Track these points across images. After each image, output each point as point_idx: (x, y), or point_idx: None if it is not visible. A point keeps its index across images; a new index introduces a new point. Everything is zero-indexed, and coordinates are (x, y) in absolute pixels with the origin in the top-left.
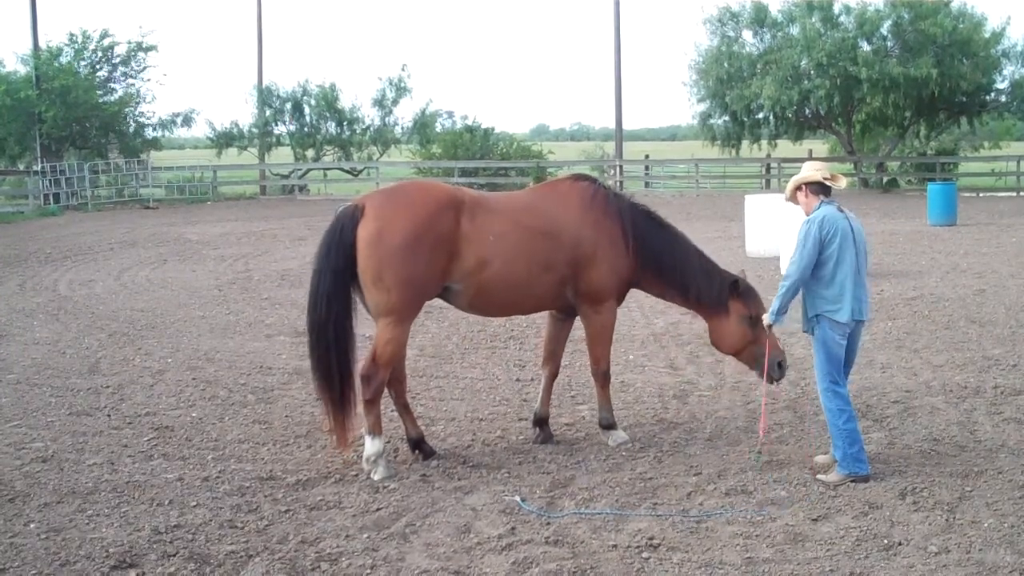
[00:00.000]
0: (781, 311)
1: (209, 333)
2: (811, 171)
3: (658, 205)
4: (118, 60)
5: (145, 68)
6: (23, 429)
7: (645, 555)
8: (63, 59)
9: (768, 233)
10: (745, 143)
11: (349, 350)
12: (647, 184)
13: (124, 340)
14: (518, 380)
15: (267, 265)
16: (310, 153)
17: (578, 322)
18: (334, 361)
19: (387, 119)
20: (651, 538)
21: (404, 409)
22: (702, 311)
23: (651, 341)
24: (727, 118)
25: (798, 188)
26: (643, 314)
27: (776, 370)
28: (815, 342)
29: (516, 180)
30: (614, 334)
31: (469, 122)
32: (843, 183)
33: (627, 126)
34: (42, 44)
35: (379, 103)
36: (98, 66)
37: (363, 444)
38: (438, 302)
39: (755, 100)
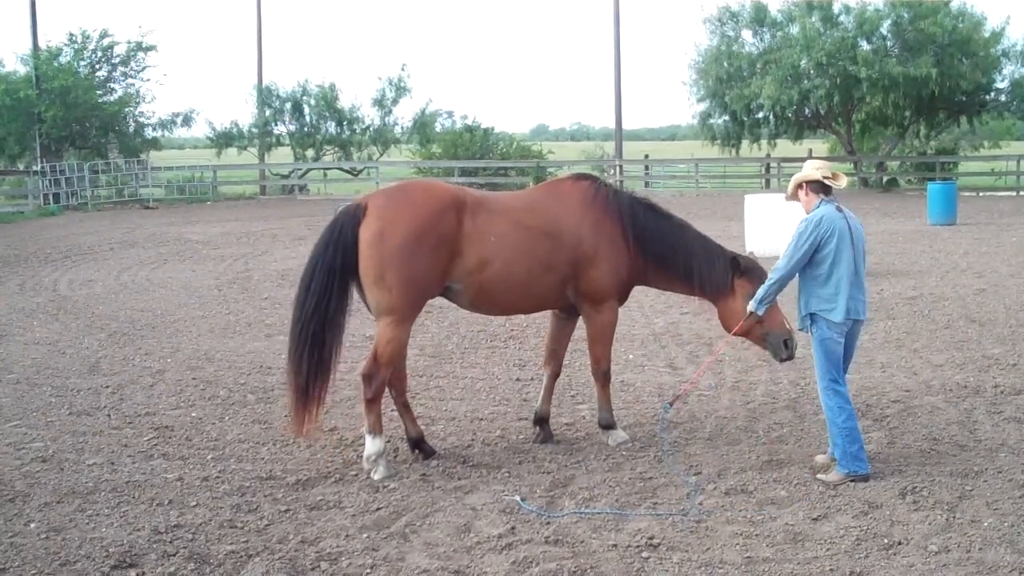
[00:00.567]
0: (764, 301)
1: (209, 333)
2: (812, 170)
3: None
4: (118, 60)
5: (145, 68)
6: (23, 429)
7: (645, 555)
8: (63, 59)
9: (768, 233)
10: (745, 143)
11: (332, 347)
12: (647, 184)
13: (124, 340)
14: (518, 380)
15: (267, 265)
16: (310, 153)
17: (579, 321)
18: (309, 354)
19: (387, 119)
20: (651, 538)
21: (404, 408)
22: (709, 296)
23: (651, 341)
24: (727, 118)
25: (799, 186)
26: (643, 314)
27: (783, 349)
28: (813, 341)
29: (516, 180)
30: (614, 334)
31: (469, 122)
32: (843, 182)
33: (627, 126)
34: (42, 44)
35: (379, 103)
36: (98, 66)
37: (363, 443)
38: (439, 301)
39: (755, 100)
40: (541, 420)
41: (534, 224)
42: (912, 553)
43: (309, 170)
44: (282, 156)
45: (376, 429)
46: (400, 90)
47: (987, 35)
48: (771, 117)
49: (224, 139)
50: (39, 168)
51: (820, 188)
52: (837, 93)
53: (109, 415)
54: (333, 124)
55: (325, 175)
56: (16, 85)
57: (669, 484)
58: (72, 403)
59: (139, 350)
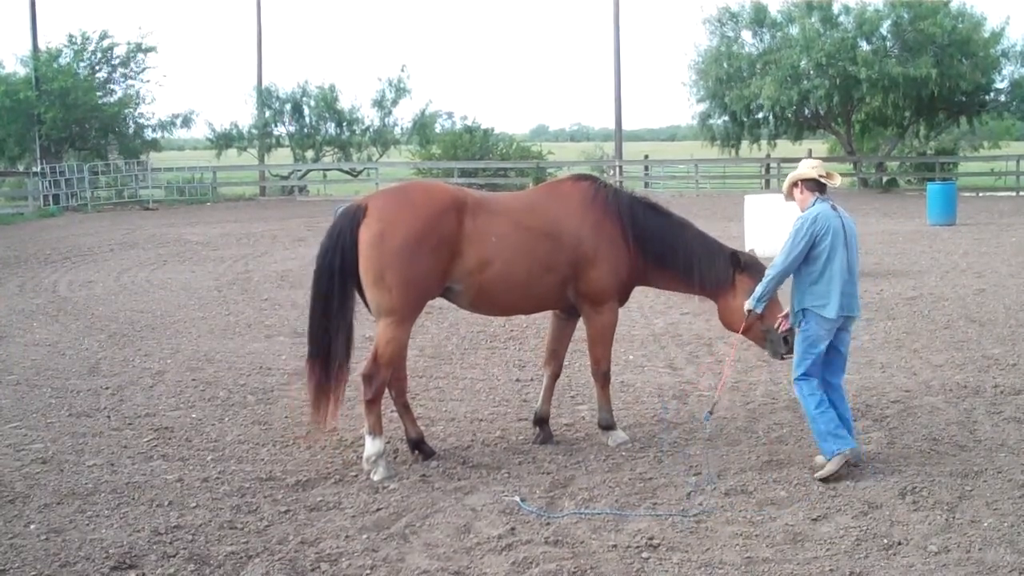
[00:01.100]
0: (762, 298)
1: (209, 334)
2: (807, 168)
3: None
4: (117, 61)
5: (144, 69)
6: (23, 430)
7: (645, 555)
8: (62, 60)
9: (768, 233)
10: (745, 143)
11: (347, 348)
12: (647, 184)
13: (124, 341)
14: (518, 380)
15: (267, 266)
16: (310, 154)
17: (579, 322)
18: (323, 356)
19: (387, 120)
20: (651, 538)
21: (404, 409)
22: (710, 294)
23: (651, 341)
24: (726, 118)
25: (794, 185)
26: (643, 314)
27: (783, 345)
28: (799, 334)
29: (516, 181)
30: (614, 335)
31: (469, 123)
32: (838, 181)
33: (627, 126)
34: (41, 45)
35: (379, 104)
36: (97, 67)
37: (363, 444)
38: (439, 302)
39: (754, 100)
40: (541, 421)
41: (534, 225)
42: (912, 553)
43: (309, 171)
44: (282, 157)
45: (376, 430)
46: (400, 91)
47: (987, 35)
48: (771, 118)
49: (224, 140)
50: (39, 169)
51: (815, 186)
52: (837, 93)
53: (109, 416)
54: (333, 125)
55: (325, 176)
56: (16, 86)
57: (669, 485)
58: (72, 404)
59: (139, 351)
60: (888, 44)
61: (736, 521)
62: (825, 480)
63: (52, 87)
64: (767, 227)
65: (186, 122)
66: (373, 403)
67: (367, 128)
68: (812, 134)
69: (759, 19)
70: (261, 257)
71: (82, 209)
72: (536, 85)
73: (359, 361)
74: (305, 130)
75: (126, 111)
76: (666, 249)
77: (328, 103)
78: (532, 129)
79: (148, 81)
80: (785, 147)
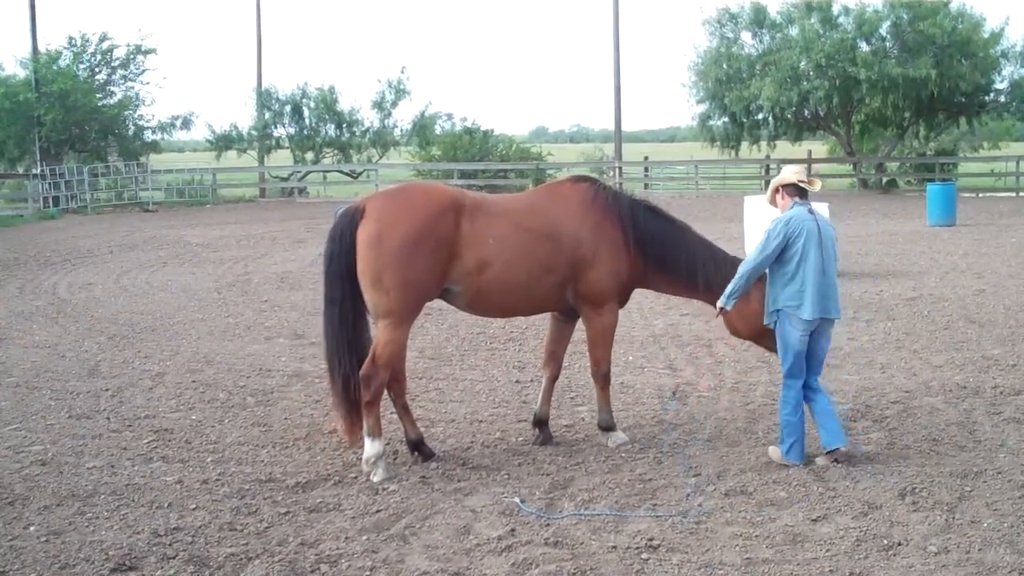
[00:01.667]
0: (732, 295)
1: (208, 336)
2: (788, 174)
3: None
4: (117, 63)
5: (144, 71)
6: (23, 432)
7: (644, 556)
8: (62, 62)
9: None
10: (744, 144)
11: (361, 353)
12: (646, 186)
13: (123, 343)
14: (517, 382)
15: (266, 268)
16: (309, 155)
17: (578, 323)
18: (348, 364)
19: (386, 121)
20: (651, 539)
21: (404, 411)
22: (712, 299)
23: (651, 342)
24: (726, 119)
25: (776, 191)
26: (642, 315)
27: None
28: (777, 336)
29: (515, 182)
30: (614, 336)
31: (468, 124)
32: (818, 186)
33: (626, 127)
34: (41, 48)
35: (378, 105)
36: (97, 69)
37: (362, 446)
38: (439, 304)
39: (754, 101)
40: (540, 422)
41: (533, 226)
42: (911, 554)
43: (308, 172)
44: (282, 159)
45: (375, 431)
46: (399, 92)
47: (986, 36)
48: (770, 119)
49: (224, 142)
50: (39, 171)
51: (795, 191)
52: (836, 94)
53: (108, 418)
54: (332, 126)
55: (324, 177)
56: (16, 88)
57: (669, 486)
58: (72, 406)
59: (138, 353)
60: (888, 45)
61: (736, 522)
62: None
63: (52, 89)
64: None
65: (186, 124)
66: (372, 404)
67: (367, 130)
68: (812, 135)
69: (759, 20)
70: (261, 259)
71: (82, 211)
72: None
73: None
74: (305, 132)
75: (126, 113)
76: (667, 252)
77: (328, 105)
78: (532, 130)
79: (148, 83)
80: (785, 148)
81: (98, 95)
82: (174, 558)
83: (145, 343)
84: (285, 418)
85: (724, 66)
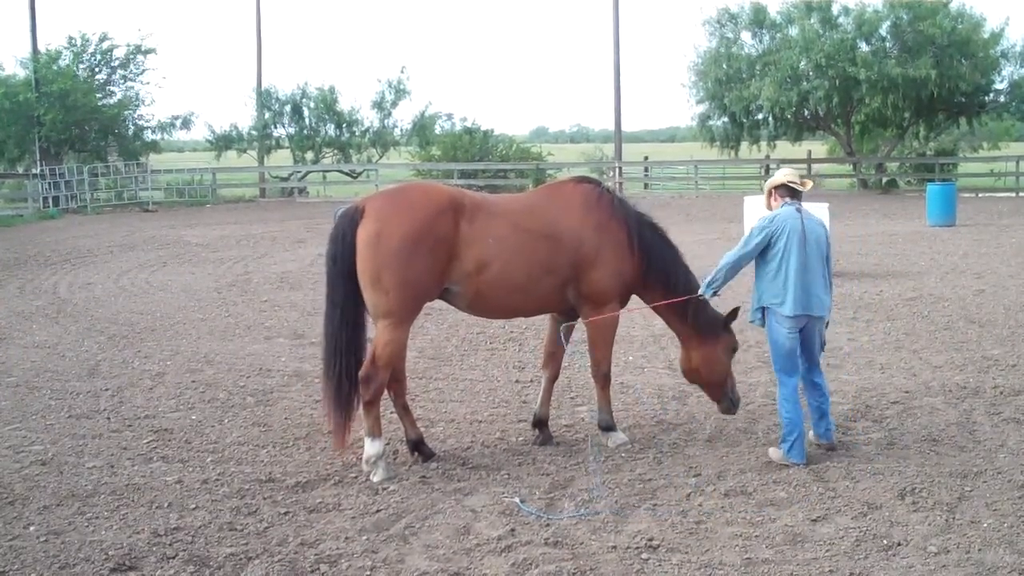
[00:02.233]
0: (712, 285)
1: (208, 336)
2: (780, 176)
3: (657, 206)
4: (117, 63)
5: (144, 71)
6: (23, 432)
7: (644, 556)
8: (62, 62)
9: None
10: (744, 144)
11: (359, 355)
12: (646, 186)
13: (123, 343)
14: (517, 382)
15: (266, 268)
16: (309, 155)
17: (578, 324)
18: (344, 366)
19: (386, 121)
20: (650, 539)
21: (404, 411)
22: (689, 332)
23: (650, 342)
24: (726, 119)
25: (769, 194)
26: (642, 315)
27: (734, 406)
28: (767, 334)
29: (515, 182)
30: (615, 336)
31: (468, 124)
32: (809, 186)
33: (626, 128)
34: (41, 47)
35: (378, 105)
36: (97, 69)
37: (362, 446)
38: (439, 304)
39: (754, 101)
40: (540, 423)
41: (534, 226)
42: (911, 554)
43: (308, 172)
44: (281, 159)
45: (375, 431)
46: (399, 92)
47: (986, 36)
48: (770, 119)
49: (223, 142)
50: (39, 171)
51: (787, 192)
52: (836, 94)
53: (108, 418)
54: (332, 126)
55: (324, 177)
56: (15, 88)
57: (669, 486)
58: (71, 406)
59: (138, 353)
60: (887, 45)
61: (736, 522)
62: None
63: (52, 89)
64: None
65: (186, 124)
66: (372, 405)
67: (367, 130)
68: (812, 135)
69: (758, 20)
70: (261, 259)
71: (82, 211)
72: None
73: None
74: (305, 132)
75: (126, 113)
76: (667, 266)
77: (328, 105)
78: (532, 130)
79: (148, 83)
80: (785, 148)
81: (98, 95)
82: (174, 558)
83: (145, 343)
84: (285, 418)
85: (724, 66)
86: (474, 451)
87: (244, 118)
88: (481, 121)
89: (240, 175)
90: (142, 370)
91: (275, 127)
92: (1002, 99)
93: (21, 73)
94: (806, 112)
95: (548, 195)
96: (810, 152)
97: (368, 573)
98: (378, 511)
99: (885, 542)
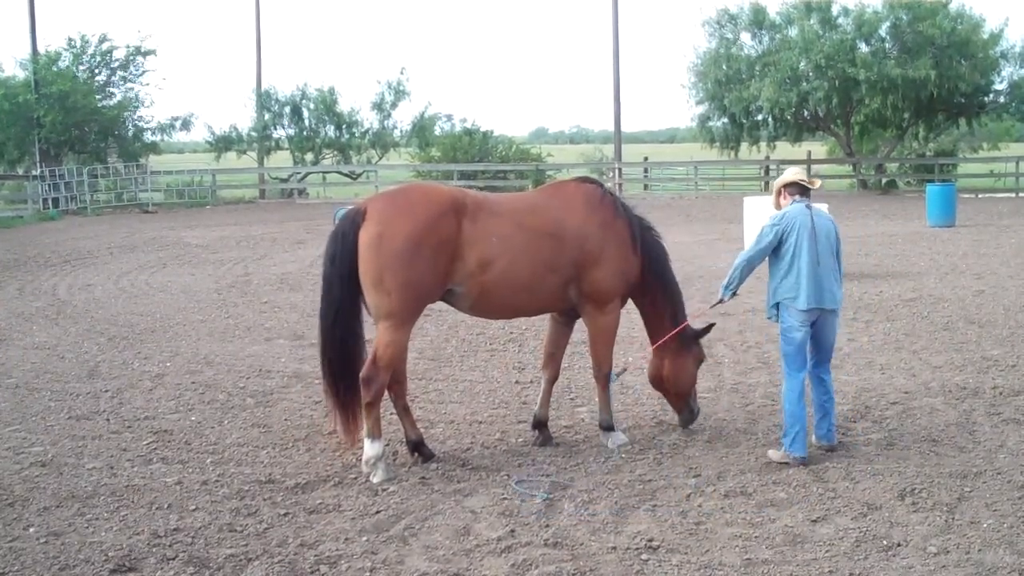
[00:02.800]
0: (730, 286)
1: (208, 337)
2: (790, 174)
3: (657, 207)
4: (117, 64)
5: (144, 72)
6: (22, 433)
7: (644, 557)
8: (62, 64)
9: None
10: (744, 145)
11: (357, 354)
12: (646, 187)
13: (123, 344)
14: (517, 383)
15: (266, 269)
16: (309, 156)
17: (578, 324)
18: (342, 366)
19: (386, 122)
20: (650, 540)
21: (404, 411)
22: (666, 343)
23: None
24: (726, 120)
25: (778, 192)
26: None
27: (693, 417)
28: (780, 330)
29: (515, 183)
30: (616, 336)
31: (468, 125)
32: (818, 184)
33: (626, 128)
34: (41, 49)
35: (378, 106)
36: (97, 70)
37: (362, 447)
38: (439, 305)
39: (754, 102)
40: (540, 424)
41: (537, 224)
42: (911, 555)
43: (308, 174)
44: (281, 160)
45: (375, 433)
46: (399, 93)
47: (986, 37)
48: (770, 119)
49: (223, 143)
50: (38, 173)
51: (797, 190)
52: (836, 95)
53: (108, 419)
54: (332, 128)
55: (324, 179)
56: (15, 90)
57: (668, 486)
58: (71, 407)
59: (138, 354)
60: (887, 46)
61: (735, 523)
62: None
63: (51, 90)
64: None
65: (185, 125)
66: (372, 405)
67: (366, 131)
68: (811, 136)
69: (758, 21)
70: (260, 260)
71: (81, 212)
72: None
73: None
74: (304, 133)
75: (125, 114)
76: (665, 271)
77: (327, 106)
78: (531, 131)
79: (147, 84)
80: (784, 149)
81: (98, 96)
82: (174, 559)
83: (145, 344)
84: (285, 419)
85: (723, 67)
86: (474, 452)
87: (244, 119)
88: (481, 122)
89: (240, 176)
90: (142, 371)
91: (275, 128)
92: (1002, 100)
93: (21, 74)
94: (806, 113)
95: (551, 194)
96: (810, 153)
97: (368, 574)
98: (378, 512)
99: (885, 543)
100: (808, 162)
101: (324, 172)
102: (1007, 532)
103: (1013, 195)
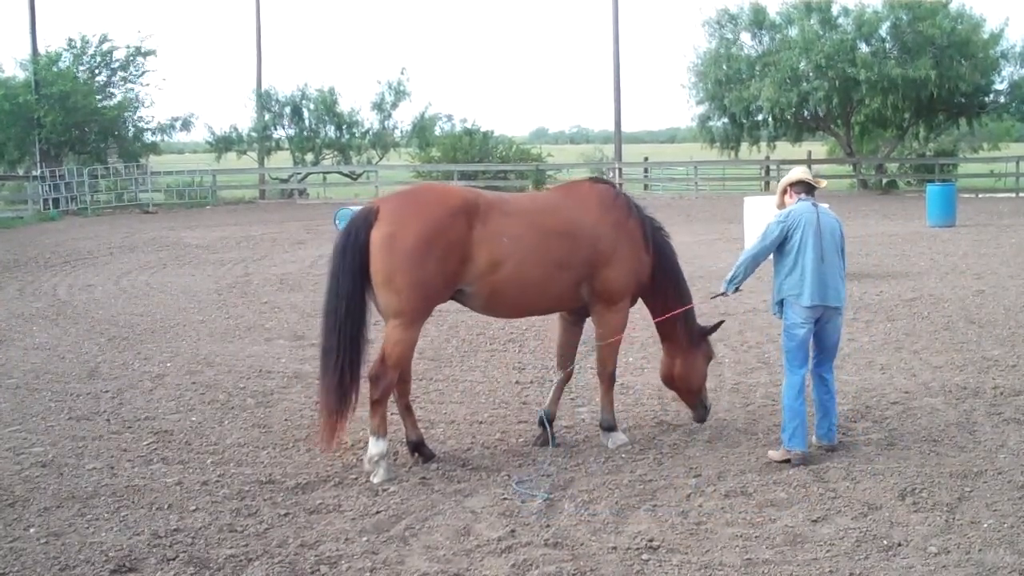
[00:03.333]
0: (734, 281)
1: (208, 337)
2: (796, 173)
3: (657, 207)
4: (117, 65)
5: (144, 73)
6: (23, 434)
7: (645, 557)
8: (62, 64)
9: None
10: (744, 145)
11: (360, 353)
12: (646, 187)
13: (123, 344)
14: (517, 383)
15: (266, 269)
16: (309, 157)
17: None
18: (346, 364)
19: (386, 123)
20: (651, 540)
21: (406, 411)
22: (678, 339)
23: (651, 343)
24: (726, 120)
25: (784, 191)
26: (643, 316)
27: (706, 412)
28: (783, 326)
29: (515, 183)
30: (623, 336)
31: (468, 125)
32: (824, 184)
33: (626, 128)
34: (41, 49)
35: (378, 107)
36: (97, 71)
37: (361, 447)
38: (439, 305)
39: (754, 102)
40: (548, 421)
41: (550, 225)
42: (912, 555)
43: (308, 174)
44: (281, 160)
45: (380, 431)
46: (399, 94)
47: (986, 36)
48: (770, 119)
49: (223, 143)
50: (39, 173)
51: (804, 189)
52: (836, 95)
53: (108, 420)
54: (332, 128)
55: (324, 179)
56: (15, 90)
57: (669, 486)
58: (71, 408)
59: (138, 355)
60: (887, 46)
61: (736, 523)
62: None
63: (52, 91)
64: None
65: (186, 125)
66: (379, 403)
67: (367, 131)
68: (811, 136)
69: (758, 21)
70: (261, 260)
71: (82, 213)
72: (536, 87)
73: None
74: (305, 133)
75: (126, 114)
76: (676, 270)
77: (328, 106)
78: (532, 131)
79: (148, 84)
80: (784, 149)
81: (98, 97)
82: (174, 559)
83: (145, 345)
84: (285, 420)
85: (724, 67)
86: (474, 452)
87: (244, 119)
88: (481, 122)
89: (240, 177)
90: (142, 372)
91: (275, 128)
92: (1002, 100)
93: (21, 75)
94: (806, 113)
95: (565, 194)
96: (810, 153)
97: (368, 574)
98: (378, 512)
99: (885, 543)
100: (808, 162)
101: (324, 172)
102: (1007, 532)
103: (1013, 195)
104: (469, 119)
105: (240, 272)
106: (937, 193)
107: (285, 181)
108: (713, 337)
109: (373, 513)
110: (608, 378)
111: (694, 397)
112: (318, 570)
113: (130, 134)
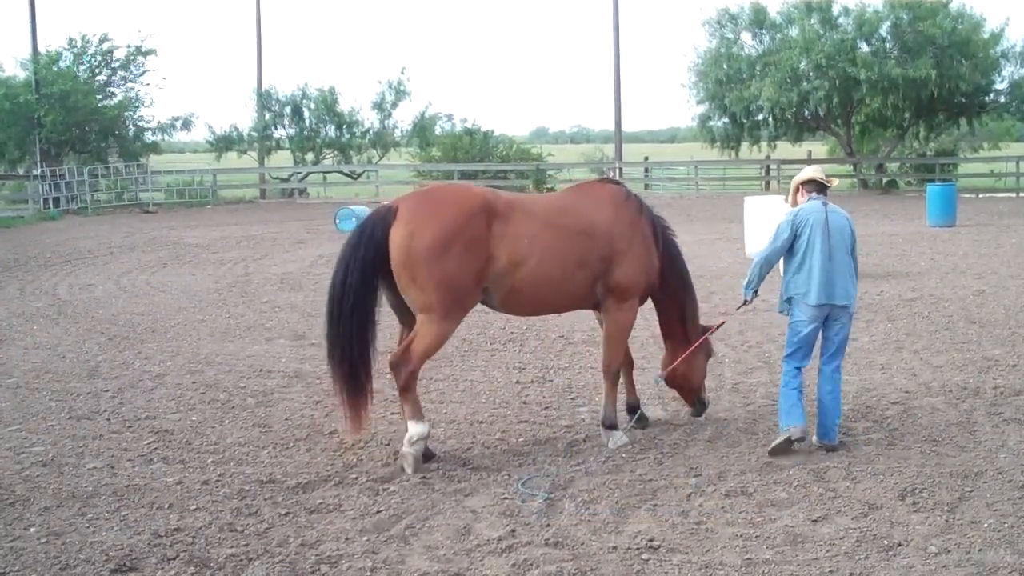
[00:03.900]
0: (751, 285)
1: (209, 337)
2: (808, 172)
3: (658, 207)
4: (117, 64)
5: (144, 72)
6: (23, 433)
7: (645, 556)
8: (62, 63)
9: (768, 234)
10: (744, 145)
11: (368, 340)
12: (646, 186)
13: (124, 344)
14: (517, 383)
15: (266, 269)
16: (309, 156)
17: (578, 323)
18: (354, 350)
19: (386, 122)
20: (651, 540)
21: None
22: (681, 337)
23: (651, 343)
24: (726, 120)
25: (796, 190)
26: (642, 315)
27: (704, 408)
28: (788, 323)
29: (515, 183)
30: (629, 335)
31: (468, 125)
32: (836, 183)
33: (626, 128)
34: (41, 49)
35: (378, 106)
36: (97, 70)
37: (363, 446)
38: None
39: (754, 102)
40: (632, 408)
41: (568, 224)
42: (912, 554)
43: (309, 174)
44: (282, 160)
45: (417, 414)
46: (400, 93)
47: (986, 36)
48: (770, 119)
49: (224, 143)
50: (39, 172)
51: (815, 187)
52: (836, 95)
53: (109, 419)
54: (333, 127)
55: (324, 179)
56: (16, 90)
57: (669, 486)
58: (72, 407)
59: (139, 354)
60: (888, 45)
61: (736, 522)
62: (772, 454)
63: (52, 90)
64: (767, 229)
65: (186, 125)
66: (407, 390)
67: (367, 130)
68: (812, 136)
69: (758, 21)
70: (261, 260)
71: (82, 212)
72: (536, 87)
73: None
74: (305, 132)
75: (126, 114)
76: (681, 268)
77: (328, 105)
78: (532, 131)
79: (148, 84)
80: (785, 149)
81: (98, 96)
82: (174, 559)
83: (145, 344)
84: (285, 419)
85: (724, 67)
86: (475, 452)
87: (244, 119)
88: (481, 122)
89: (240, 176)
90: (142, 371)
91: (275, 128)
92: (1002, 99)
93: (21, 74)
94: (806, 112)
95: (580, 193)
96: (810, 152)
97: (368, 574)
98: (378, 512)
99: (886, 542)
100: (809, 162)
101: (325, 172)
102: (1008, 532)
103: (1014, 195)
104: (469, 119)
105: (240, 271)
106: (937, 193)
107: (285, 181)
108: (713, 337)
109: (374, 512)
110: (612, 376)
111: (693, 394)
112: (318, 569)
113: (130, 133)
